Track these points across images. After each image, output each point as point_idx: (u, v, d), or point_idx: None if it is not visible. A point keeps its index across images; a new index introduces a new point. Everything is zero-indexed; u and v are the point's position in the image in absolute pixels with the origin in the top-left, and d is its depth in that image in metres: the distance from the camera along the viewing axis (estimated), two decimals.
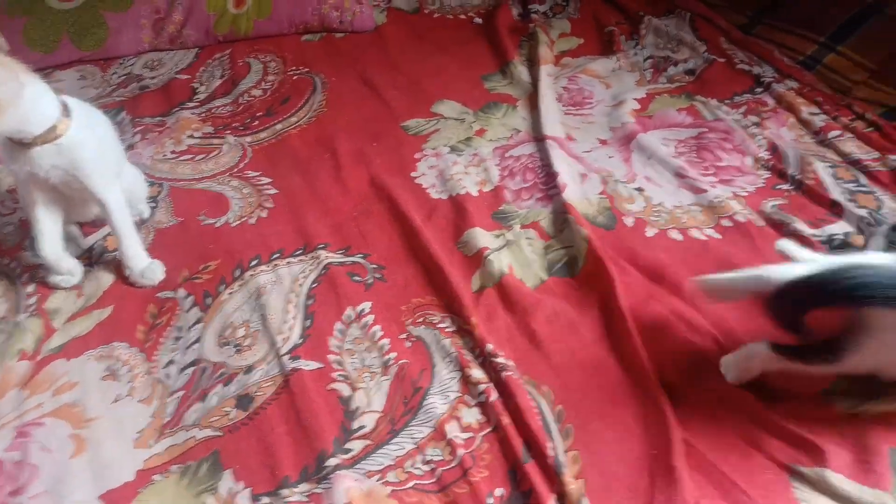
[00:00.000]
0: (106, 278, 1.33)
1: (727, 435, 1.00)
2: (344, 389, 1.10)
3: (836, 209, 1.36)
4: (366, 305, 1.24)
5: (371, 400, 1.07)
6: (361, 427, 1.04)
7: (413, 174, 1.58)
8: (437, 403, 1.06)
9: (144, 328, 1.24)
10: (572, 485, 0.93)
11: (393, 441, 1.01)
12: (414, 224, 1.40)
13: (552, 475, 0.95)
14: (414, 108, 1.79)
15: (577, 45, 2.04)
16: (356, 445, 1.02)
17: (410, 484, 0.96)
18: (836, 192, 1.40)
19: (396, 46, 2.06)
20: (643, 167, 1.54)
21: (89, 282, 1.32)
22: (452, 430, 1.03)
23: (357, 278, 1.30)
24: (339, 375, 1.12)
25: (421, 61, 1.99)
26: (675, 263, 1.28)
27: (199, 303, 1.27)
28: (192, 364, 1.17)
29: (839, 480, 0.90)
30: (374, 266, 1.33)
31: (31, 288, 1.31)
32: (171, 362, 1.17)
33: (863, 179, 1.44)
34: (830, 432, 0.95)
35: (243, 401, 1.10)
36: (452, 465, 0.98)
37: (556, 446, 0.99)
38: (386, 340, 1.17)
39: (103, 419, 1.08)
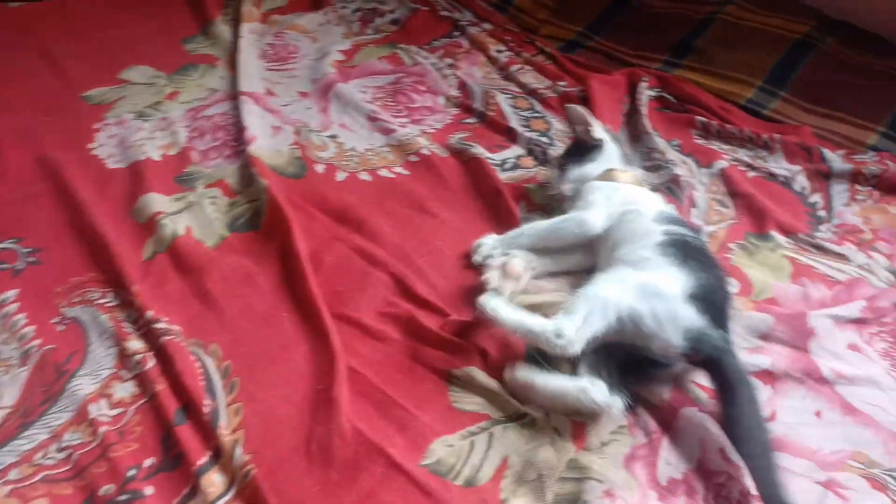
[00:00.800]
0: None
1: (394, 354, 1.02)
2: None
3: (511, 135, 1.44)
4: (10, 294, 1.10)
5: (2, 395, 0.95)
6: None
7: (90, 146, 1.43)
8: (84, 385, 0.97)
9: None
10: (226, 437, 0.89)
11: (22, 435, 0.91)
12: (81, 199, 1.26)
13: (209, 432, 0.90)
14: (98, 77, 1.63)
15: (287, 1, 1.97)
16: None
17: (38, 477, 0.87)
18: (513, 121, 1.49)
19: (82, 13, 1.86)
20: (339, 115, 1.52)
21: None
22: (100, 408, 0.94)
23: (3, 266, 1.15)
24: None
25: (112, 27, 1.82)
26: (362, 203, 1.28)
27: None
28: None
29: (482, 377, 0.94)
30: (29, 250, 1.18)
31: None
32: None
33: (538, 106, 1.54)
34: (481, 335, 1.00)
35: None
36: (92, 445, 0.90)
37: (218, 402, 0.94)
38: (30, 328, 1.05)
39: None
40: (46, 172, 1.34)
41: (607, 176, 1.14)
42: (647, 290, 0.89)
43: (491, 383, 0.94)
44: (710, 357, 0.87)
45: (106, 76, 1.64)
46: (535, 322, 0.91)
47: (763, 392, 0.93)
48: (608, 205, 1.07)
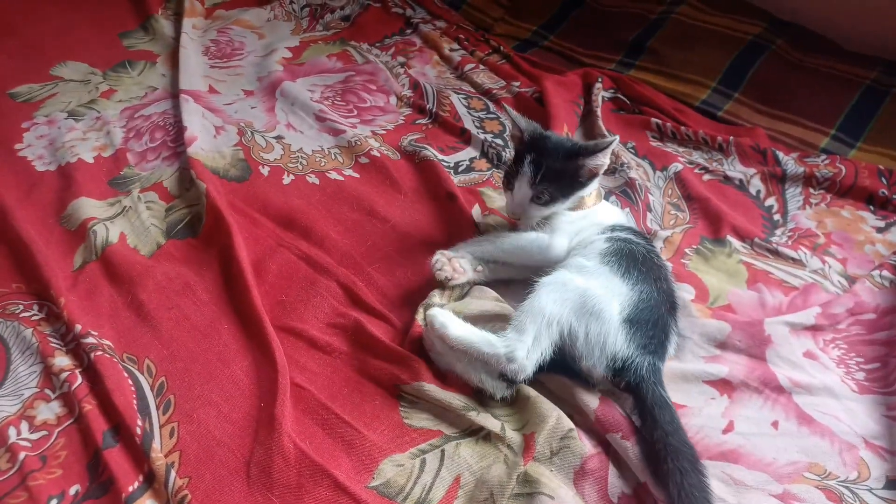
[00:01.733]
0: None
1: (341, 369, 0.97)
2: None
3: (465, 136, 1.40)
4: None
5: None
6: None
7: (18, 146, 1.34)
8: (3, 406, 0.89)
9: None
10: (159, 461, 0.83)
11: None
12: (5, 203, 1.18)
13: (141, 455, 0.83)
14: (27, 73, 1.54)
15: None
16: None
17: None
18: (467, 121, 1.45)
19: (13, 6, 1.75)
20: (286, 115, 1.46)
21: None
22: (20, 432, 0.87)
23: None
24: None
25: (43, 21, 1.72)
26: (309, 207, 1.23)
27: None
28: None
29: (432, 390, 0.90)
30: None
31: None
32: None
33: (492, 107, 1.50)
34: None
35: None
36: (9, 474, 0.82)
37: (152, 423, 0.87)
38: None
39: None
40: None
41: (579, 205, 1.04)
42: (585, 308, 0.87)
43: (442, 396, 0.90)
44: (630, 384, 0.86)
45: (35, 72, 1.55)
46: (486, 342, 0.88)
47: (720, 402, 0.91)
48: (571, 230, 1.01)
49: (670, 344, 0.92)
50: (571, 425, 0.85)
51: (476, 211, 1.23)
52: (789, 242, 1.16)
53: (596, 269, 0.91)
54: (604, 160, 1.00)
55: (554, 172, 0.99)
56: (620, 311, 0.88)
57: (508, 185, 1.04)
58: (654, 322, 0.88)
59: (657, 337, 0.88)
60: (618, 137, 1.03)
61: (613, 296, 0.88)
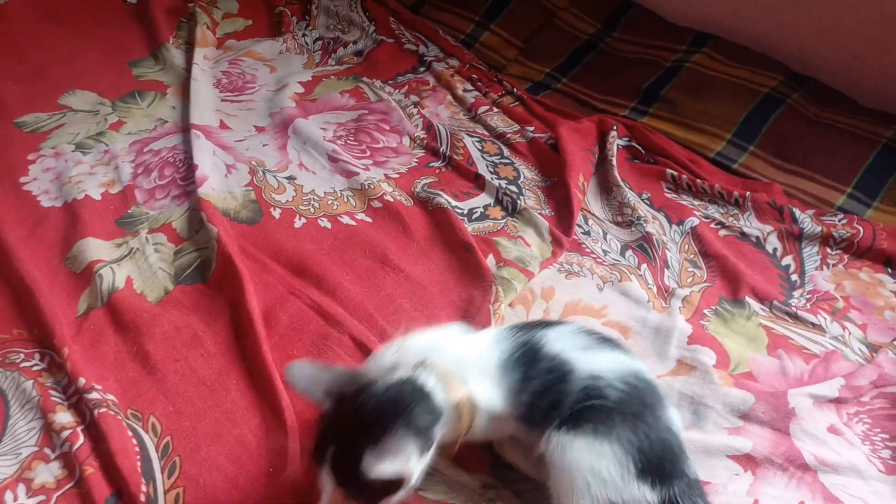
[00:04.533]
0: None
1: None
2: None
3: (479, 182, 1.38)
4: None
5: None
6: None
7: (23, 179, 1.31)
8: (0, 468, 0.85)
9: None
10: None
11: None
12: (7, 242, 1.15)
13: None
14: (34, 102, 1.52)
15: (245, 26, 1.89)
16: None
17: None
18: (480, 166, 1.43)
19: (19, 29, 1.73)
20: (298, 154, 1.44)
21: None
22: (17, 496, 0.83)
23: None
24: None
25: (53, 47, 1.70)
26: (321, 253, 1.20)
27: None
28: None
29: (445, 466, 0.87)
30: None
31: None
32: None
33: (506, 151, 1.49)
34: None
35: None
36: None
37: (157, 489, 0.84)
38: None
39: None
40: None
41: None
42: None
43: (453, 473, 0.87)
44: None
45: (43, 100, 1.53)
46: None
47: (744, 479, 0.88)
48: None
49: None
50: None
51: (491, 261, 1.21)
52: (808, 306, 1.14)
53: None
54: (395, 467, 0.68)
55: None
56: None
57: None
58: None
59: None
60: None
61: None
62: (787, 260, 1.22)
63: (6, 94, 1.51)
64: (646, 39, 1.73)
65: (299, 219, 1.28)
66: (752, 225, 1.29)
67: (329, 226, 1.27)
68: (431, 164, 1.45)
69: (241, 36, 1.85)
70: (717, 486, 0.88)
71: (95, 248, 1.15)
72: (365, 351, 1.03)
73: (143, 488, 0.84)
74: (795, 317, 1.10)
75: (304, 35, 1.87)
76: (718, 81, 1.57)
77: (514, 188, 1.38)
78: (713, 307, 1.12)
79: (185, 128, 1.48)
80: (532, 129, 1.54)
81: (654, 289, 1.16)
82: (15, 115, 1.47)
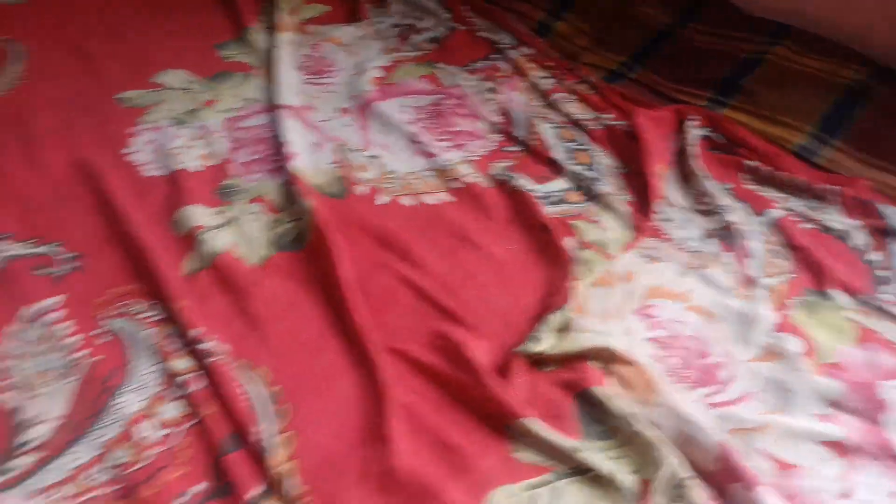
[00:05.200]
0: None
1: (447, 395, 0.99)
2: (10, 401, 0.92)
3: (555, 167, 1.41)
4: (52, 301, 1.06)
5: (50, 407, 0.93)
6: (28, 441, 0.88)
7: (125, 151, 1.39)
8: (130, 402, 0.94)
9: None
10: (278, 468, 0.85)
11: (70, 451, 0.88)
12: (120, 206, 1.23)
13: (260, 462, 0.86)
14: (133, 79, 1.60)
15: (324, 12, 1.94)
16: (22, 462, 0.87)
17: (86, 497, 0.84)
18: (556, 152, 1.46)
19: (119, 11, 1.82)
20: (379, 135, 1.49)
21: None
22: (146, 428, 0.91)
23: (44, 271, 1.11)
24: (4, 385, 0.94)
25: (147, 28, 1.78)
26: (404, 230, 1.25)
27: None
28: None
29: (540, 428, 0.91)
30: (70, 255, 1.14)
31: None
32: None
33: (583, 138, 1.51)
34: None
35: None
36: (140, 465, 0.87)
37: (269, 429, 0.90)
38: (75, 338, 1.01)
39: None
40: (85, 176, 1.31)
41: None
42: None
43: (549, 435, 0.90)
44: None
45: (142, 78, 1.60)
46: None
47: (835, 465, 0.89)
48: None
49: None
50: (691, 472, 0.85)
51: (570, 243, 1.23)
52: None
53: None
54: None
55: None
56: None
57: None
58: None
59: None
60: None
61: None
62: (874, 255, 1.21)
63: (108, 72, 1.60)
64: (723, 30, 1.72)
65: (383, 196, 1.33)
66: (836, 219, 1.28)
67: (411, 204, 1.32)
68: (508, 149, 1.48)
69: (321, 21, 1.91)
70: (805, 469, 0.89)
71: (197, 215, 1.22)
72: (452, 322, 1.07)
73: (259, 428, 0.89)
74: (884, 311, 1.10)
75: (379, 22, 1.92)
76: (800, 74, 1.56)
77: (591, 173, 1.40)
78: (799, 297, 1.13)
79: (272, 107, 1.54)
80: (610, 116, 1.56)
81: (738, 276, 1.17)
82: (116, 91, 1.55)
